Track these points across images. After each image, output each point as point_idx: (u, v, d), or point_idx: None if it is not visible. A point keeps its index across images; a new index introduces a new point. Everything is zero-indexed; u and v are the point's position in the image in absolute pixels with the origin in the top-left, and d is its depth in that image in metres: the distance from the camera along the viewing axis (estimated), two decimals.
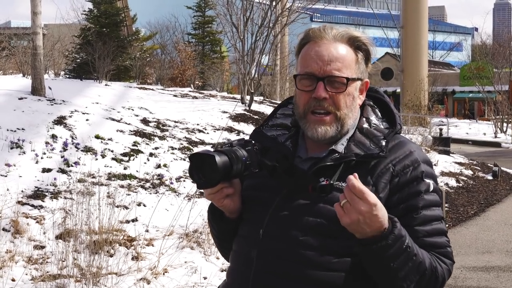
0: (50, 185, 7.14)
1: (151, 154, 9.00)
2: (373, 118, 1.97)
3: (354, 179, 1.66)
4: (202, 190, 1.89)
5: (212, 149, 1.90)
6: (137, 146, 9.14)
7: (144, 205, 7.21)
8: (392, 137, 1.93)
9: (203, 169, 1.82)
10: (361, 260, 1.79)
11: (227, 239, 2.06)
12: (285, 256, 1.84)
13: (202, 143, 10.43)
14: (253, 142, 1.94)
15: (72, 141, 8.59)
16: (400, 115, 2.03)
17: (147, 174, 8.26)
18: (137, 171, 8.20)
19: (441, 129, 18.79)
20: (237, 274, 1.97)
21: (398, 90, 34.68)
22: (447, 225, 9.09)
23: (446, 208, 9.84)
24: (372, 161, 1.86)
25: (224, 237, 2.08)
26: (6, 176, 7.08)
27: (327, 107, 1.87)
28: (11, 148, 7.82)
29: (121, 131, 9.71)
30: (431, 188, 1.87)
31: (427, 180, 1.87)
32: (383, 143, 1.88)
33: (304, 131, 1.94)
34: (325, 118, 1.88)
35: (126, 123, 10.47)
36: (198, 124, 11.84)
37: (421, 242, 1.82)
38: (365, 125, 1.94)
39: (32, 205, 6.55)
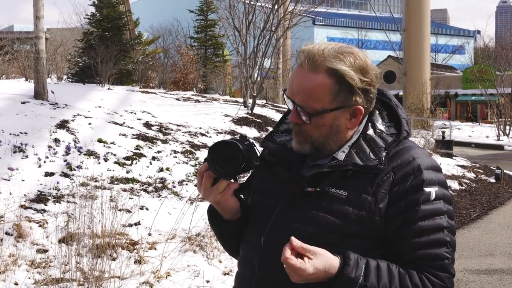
0: (53, 189, 7.15)
1: (153, 158, 9.01)
2: (379, 124, 1.92)
3: (285, 251, 1.68)
4: (205, 194, 1.92)
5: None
6: (139, 150, 9.15)
7: (147, 209, 7.22)
8: (397, 143, 1.88)
9: (222, 160, 1.85)
10: None
11: (230, 241, 2.07)
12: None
13: (205, 146, 10.43)
14: (248, 137, 1.95)
15: (74, 145, 8.61)
16: (407, 117, 1.97)
17: (149, 177, 8.26)
18: (139, 174, 8.21)
19: (443, 132, 18.76)
20: (243, 280, 1.99)
21: (401, 93, 34.65)
22: None
23: None
24: (372, 171, 1.83)
25: (226, 238, 2.09)
26: (9, 180, 7.09)
27: (298, 131, 1.89)
28: (14, 152, 7.84)
29: (124, 135, 9.72)
30: (432, 196, 1.81)
31: (428, 189, 1.80)
32: (384, 154, 1.84)
33: None
34: (300, 138, 1.89)
35: (128, 127, 10.48)
36: (200, 128, 11.85)
37: (415, 255, 1.79)
38: (370, 131, 1.90)
39: (35, 209, 6.56)
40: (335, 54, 1.82)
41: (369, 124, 1.91)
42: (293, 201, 1.87)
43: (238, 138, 1.92)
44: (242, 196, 1.99)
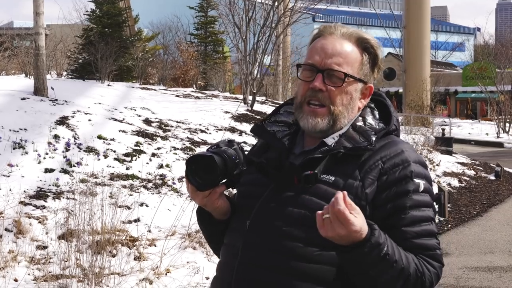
0: (53, 185, 7.15)
1: (153, 155, 9.01)
2: (369, 118, 1.98)
3: (341, 200, 1.62)
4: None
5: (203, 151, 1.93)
6: (139, 147, 9.15)
7: (147, 205, 7.22)
8: (386, 136, 1.93)
9: (201, 171, 1.86)
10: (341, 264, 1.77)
11: (217, 241, 2.07)
12: (269, 247, 1.85)
13: (205, 143, 10.43)
14: (237, 141, 1.97)
15: (74, 141, 8.60)
16: (399, 118, 2.04)
17: (149, 174, 8.26)
18: (139, 171, 8.21)
19: (443, 129, 18.79)
20: (224, 266, 1.98)
21: (401, 90, 34.65)
22: (449, 225, 9.13)
23: (448, 208, 9.83)
24: (362, 155, 1.86)
25: (214, 238, 2.10)
26: (8, 176, 7.09)
27: (321, 99, 1.90)
28: (14, 149, 7.83)
29: (124, 131, 9.71)
30: (421, 188, 1.85)
31: (417, 180, 1.85)
32: (373, 138, 1.89)
33: (298, 122, 1.96)
34: (318, 110, 1.90)
35: (128, 123, 10.48)
36: (200, 124, 11.85)
37: (409, 243, 1.81)
38: (359, 123, 1.96)
39: (35, 205, 6.56)
40: (356, 29, 1.98)
41: (360, 118, 1.98)
42: (280, 187, 1.89)
43: (226, 141, 1.93)
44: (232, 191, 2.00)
